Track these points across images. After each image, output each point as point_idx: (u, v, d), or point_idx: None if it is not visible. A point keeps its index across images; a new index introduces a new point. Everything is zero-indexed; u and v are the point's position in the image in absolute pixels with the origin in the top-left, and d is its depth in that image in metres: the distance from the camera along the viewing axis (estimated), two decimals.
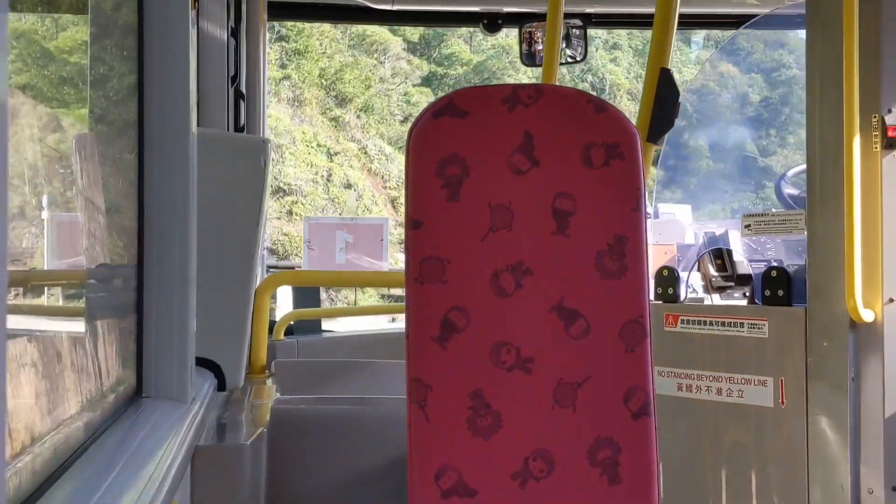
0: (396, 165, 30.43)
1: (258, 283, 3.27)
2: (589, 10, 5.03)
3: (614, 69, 34.86)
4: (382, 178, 31.16)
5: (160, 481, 1.49)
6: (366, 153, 31.47)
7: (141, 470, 1.48)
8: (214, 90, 3.95)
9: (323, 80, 32.31)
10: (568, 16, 4.59)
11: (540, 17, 4.82)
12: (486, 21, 5.14)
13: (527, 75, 29.86)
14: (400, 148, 29.90)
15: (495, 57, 34.51)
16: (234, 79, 4.21)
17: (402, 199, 2.02)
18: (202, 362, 2.56)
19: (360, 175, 30.61)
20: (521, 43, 5.13)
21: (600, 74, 34.51)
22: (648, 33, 3.17)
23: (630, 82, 34.76)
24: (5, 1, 0.80)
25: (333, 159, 30.55)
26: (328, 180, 29.84)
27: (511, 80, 29.22)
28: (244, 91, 4.39)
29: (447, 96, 1.95)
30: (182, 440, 1.79)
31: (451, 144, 1.91)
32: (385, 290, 20.04)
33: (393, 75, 33.90)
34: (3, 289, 0.80)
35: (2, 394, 0.79)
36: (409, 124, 1.98)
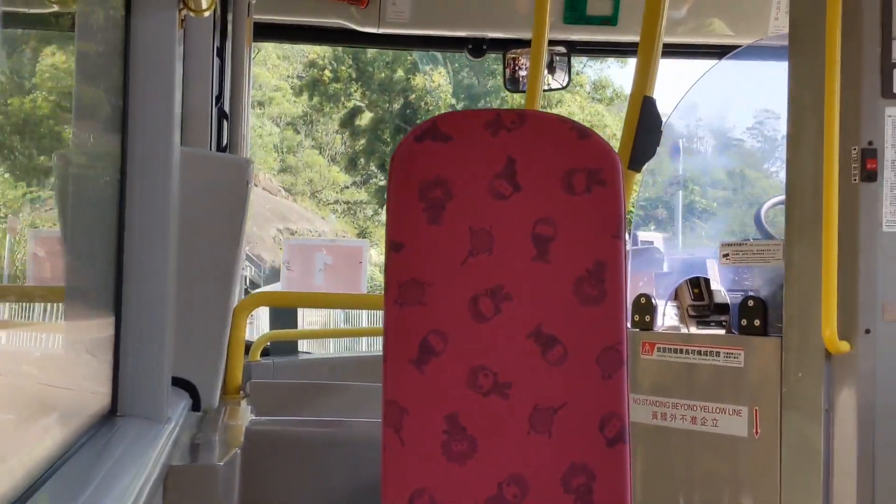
0: None
1: (236, 304, 3.26)
2: (573, 37, 5.05)
3: None
4: None
5: (132, 501, 1.48)
6: None
7: (113, 489, 1.47)
8: (198, 109, 3.94)
9: None
10: (552, 43, 4.61)
11: (524, 44, 4.84)
12: (470, 46, 5.16)
13: None
14: None
15: None
16: (219, 98, 4.21)
17: None
18: (177, 382, 2.55)
19: None
20: (504, 68, 5.15)
21: None
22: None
23: None
24: None
25: None
26: None
27: None
28: (228, 111, 4.39)
29: (431, 120, 1.96)
30: (156, 460, 1.78)
31: (434, 168, 1.92)
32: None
33: None
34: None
35: None
36: None
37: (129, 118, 2.06)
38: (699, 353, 3.30)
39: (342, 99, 27.60)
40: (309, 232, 26.09)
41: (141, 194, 2.07)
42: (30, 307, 1.57)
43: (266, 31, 5.21)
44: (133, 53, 2.07)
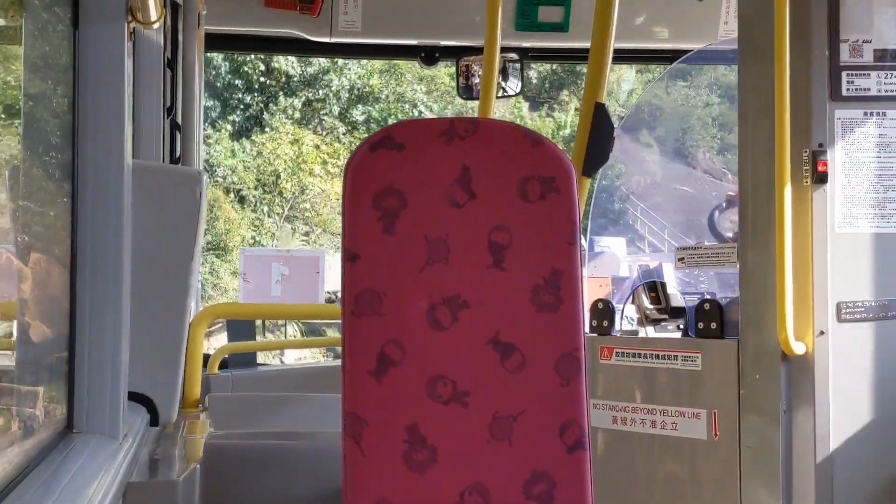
0: None
1: (193, 317, 3.24)
2: (525, 44, 5.07)
3: None
4: None
5: None
6: None
7: None
8: (150, 121, 3.92)
9: None
10: (504, 49, 4.62)
11: (477, 51, 4.85)
12: (423, 54, 5.17)
13: None
14: None
15: None
16: (171, 110, 4.18)
17: None
18: (134, 397, 2.52)
19: None
20: (458, 76, 5.16)
21: None
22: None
23: None
24: None
25: None
26: None
27: None
28: (180, 122, 4.36)
29: (384, 129, 1.96)
30: (113, 477, 1.76)
31: (388, 177, 1.91)
32: None
33: None
34: None
35: None
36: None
37: (78, 131, 2.04)
38: (657, 356, 3.31)
39: None
40: None
41: (92, 208, 2.05)
42: None
43: (218, 42, 5.20)
44: (82, 66, 2.04)
